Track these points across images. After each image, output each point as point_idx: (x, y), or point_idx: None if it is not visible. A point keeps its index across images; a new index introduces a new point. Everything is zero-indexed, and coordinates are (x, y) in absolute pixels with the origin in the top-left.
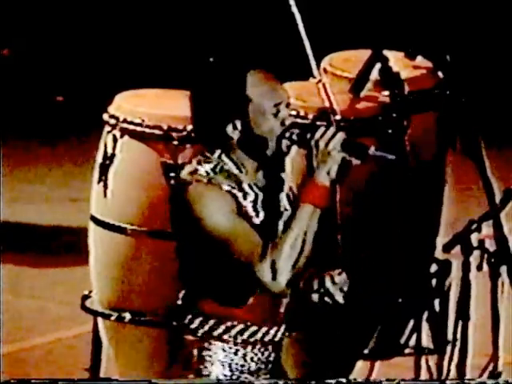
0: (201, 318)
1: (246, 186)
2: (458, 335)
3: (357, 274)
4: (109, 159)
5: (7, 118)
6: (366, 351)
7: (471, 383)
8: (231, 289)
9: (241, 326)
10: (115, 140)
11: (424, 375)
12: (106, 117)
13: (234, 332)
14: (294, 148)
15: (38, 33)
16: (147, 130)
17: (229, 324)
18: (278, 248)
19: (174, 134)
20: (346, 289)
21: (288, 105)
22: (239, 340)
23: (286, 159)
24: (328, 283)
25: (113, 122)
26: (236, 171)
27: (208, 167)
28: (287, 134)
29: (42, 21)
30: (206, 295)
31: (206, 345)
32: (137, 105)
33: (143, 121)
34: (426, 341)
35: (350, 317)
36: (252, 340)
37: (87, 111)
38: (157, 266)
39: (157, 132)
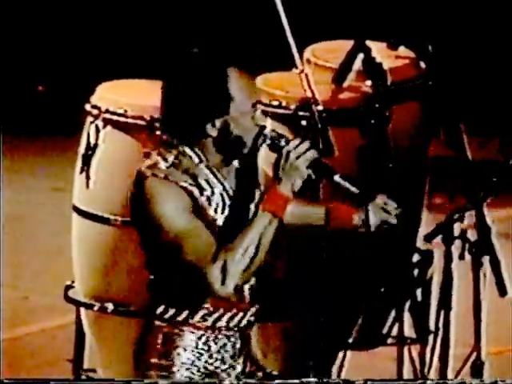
0: (165, 304)
1: (202, 181)
2: (440, 325)
3: (338, 262)
4: (91, 149)
5: None
6: (349, 341)
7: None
8: (187, 290)
9: (204, 312)
10: (98, 130)
11: (407, 366)
12: (88, 107)
13: (197, 317)
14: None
15: (19, 21)
16: (130, 120)
17: (193, 310)
18: (230, 252)
19: (157, 124)
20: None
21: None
22: (202, 325)
23: (258, 161)
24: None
25: (95, 112)
26: (196, 160)
27: (168, 160)
28: (262, 136)
29: (23, 9)
30: (169, 286)
31: (171, 330)
32: (119, 95)
33: (126, 111)
34: (409, 330)
35: (332, 307)
36: (217, 325)
37: (69, 101)
38: (140, 257)
39: (140, 122)
